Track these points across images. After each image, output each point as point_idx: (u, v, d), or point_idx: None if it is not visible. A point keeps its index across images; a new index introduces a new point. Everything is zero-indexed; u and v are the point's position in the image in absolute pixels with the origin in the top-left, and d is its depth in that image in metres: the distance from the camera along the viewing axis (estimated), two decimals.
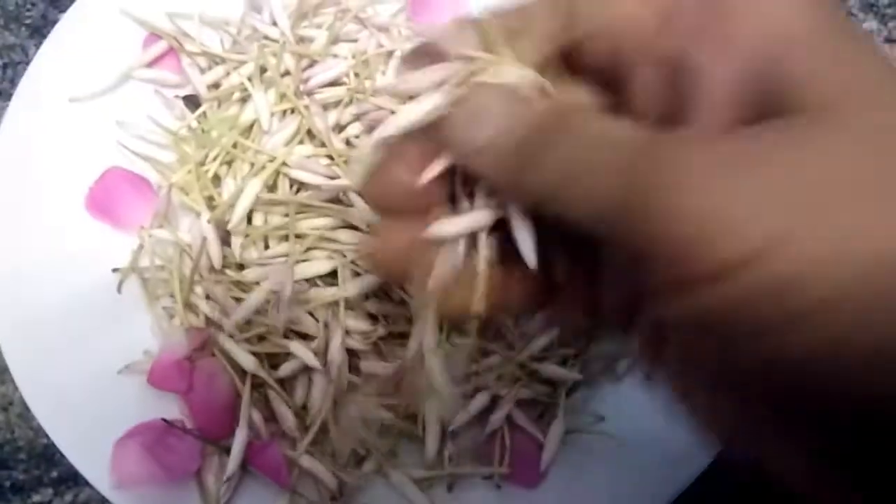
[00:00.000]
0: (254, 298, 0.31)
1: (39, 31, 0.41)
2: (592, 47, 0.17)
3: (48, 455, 0.34)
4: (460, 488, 0.32)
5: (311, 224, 0.33)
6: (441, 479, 0.31)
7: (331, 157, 0.34)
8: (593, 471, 0.31)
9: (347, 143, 0.35)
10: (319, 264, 0.32)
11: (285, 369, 0.31)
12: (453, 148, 0.17)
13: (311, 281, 0.32)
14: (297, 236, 0.32)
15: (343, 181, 0.33)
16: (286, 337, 0.31)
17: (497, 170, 0.16)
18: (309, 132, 0.34)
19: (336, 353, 0.31)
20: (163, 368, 0.31)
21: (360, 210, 0.33)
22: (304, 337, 0.32)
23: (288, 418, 0.31)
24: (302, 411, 0.31)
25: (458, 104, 0.17)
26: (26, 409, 0.30)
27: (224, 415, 0.31)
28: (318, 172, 0.33)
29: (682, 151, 0.13)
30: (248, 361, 0.31)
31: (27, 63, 0.35)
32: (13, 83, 0.39)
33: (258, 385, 0.32)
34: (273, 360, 0.32)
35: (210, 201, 0.33)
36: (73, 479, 0.34)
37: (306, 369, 0.31)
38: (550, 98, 0.16)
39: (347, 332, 0.32)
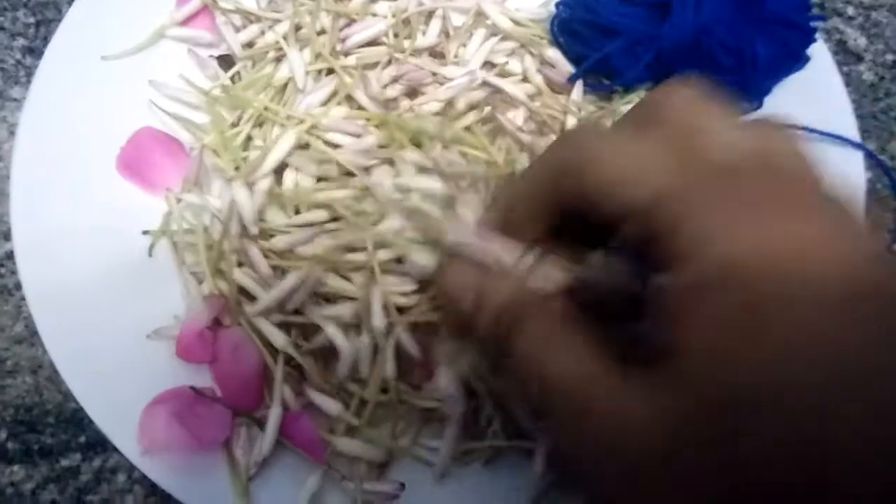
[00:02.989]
0: (288, 282, 0.29)
1: None
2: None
3: (77, 419, 0.33)
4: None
5: (339, 194, 0.31)
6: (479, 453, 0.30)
7: (367, 120, 0.32)
8: None
9: (385, 105, 0.33)
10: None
11: (317, 341, 0.30)
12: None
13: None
14: (327, 206, 0.31)
15: (372, 140, 0.31)
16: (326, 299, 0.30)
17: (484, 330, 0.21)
18: (347, 96, 0.33)
19: (378, 319, 0.29)
20: (187, 339, 0.30)
21: (386, 188, 0.31)
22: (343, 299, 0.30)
23: (323, 400, 0.30)
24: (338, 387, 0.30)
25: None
26: (55, 372, 0.30)
27: (252, 385, 0.30)
28: (353, 133, 0.31)
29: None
30: (279, 339, 0.30)
31: (60, 21, 0.34)
32: (46, 41, 0.38)
33: (288, 357, 0.30)
34: (305, 332, 0.30)
35: (240, 164, 0.32)
36: (101, 444, 0.33)
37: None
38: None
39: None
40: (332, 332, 0.29)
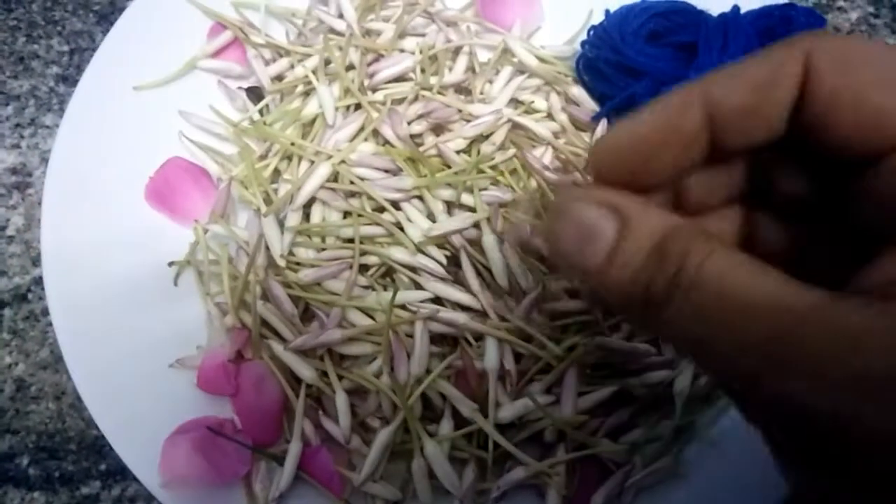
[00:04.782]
0: (332, 335, 0.30)
1: (107, 18, 0.41)
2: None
3: (98, 447, 0.33)
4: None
5: (368, 231, 0.31)
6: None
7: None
8: None
9: (412, 140, 0.34)
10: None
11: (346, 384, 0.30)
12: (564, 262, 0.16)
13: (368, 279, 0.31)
14: (351, 241, 0.31)
15: (405, 181, 0.32)
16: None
17: (619, 295, 0.16)
18: (374, 130, 0.33)
19: (403, 373, 0.29)
20: (209, 371, 0.30)
21: (416, 222, 0.31)
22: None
23: (343, 436, 0.30)
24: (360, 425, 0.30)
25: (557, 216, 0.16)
26: (78, 399, 0.30)
27: (272, 418, 0.30)
28: (382, 168, 0.32)
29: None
30: (307, 372, 0.30)
31: (94, 50, 0.35)
32: (79, 69, 0.39)
33: (309, 391, 0.31)
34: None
35: (269, 197, 0.32)
36: (121, 472, 0.33)
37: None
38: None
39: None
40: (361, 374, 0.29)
